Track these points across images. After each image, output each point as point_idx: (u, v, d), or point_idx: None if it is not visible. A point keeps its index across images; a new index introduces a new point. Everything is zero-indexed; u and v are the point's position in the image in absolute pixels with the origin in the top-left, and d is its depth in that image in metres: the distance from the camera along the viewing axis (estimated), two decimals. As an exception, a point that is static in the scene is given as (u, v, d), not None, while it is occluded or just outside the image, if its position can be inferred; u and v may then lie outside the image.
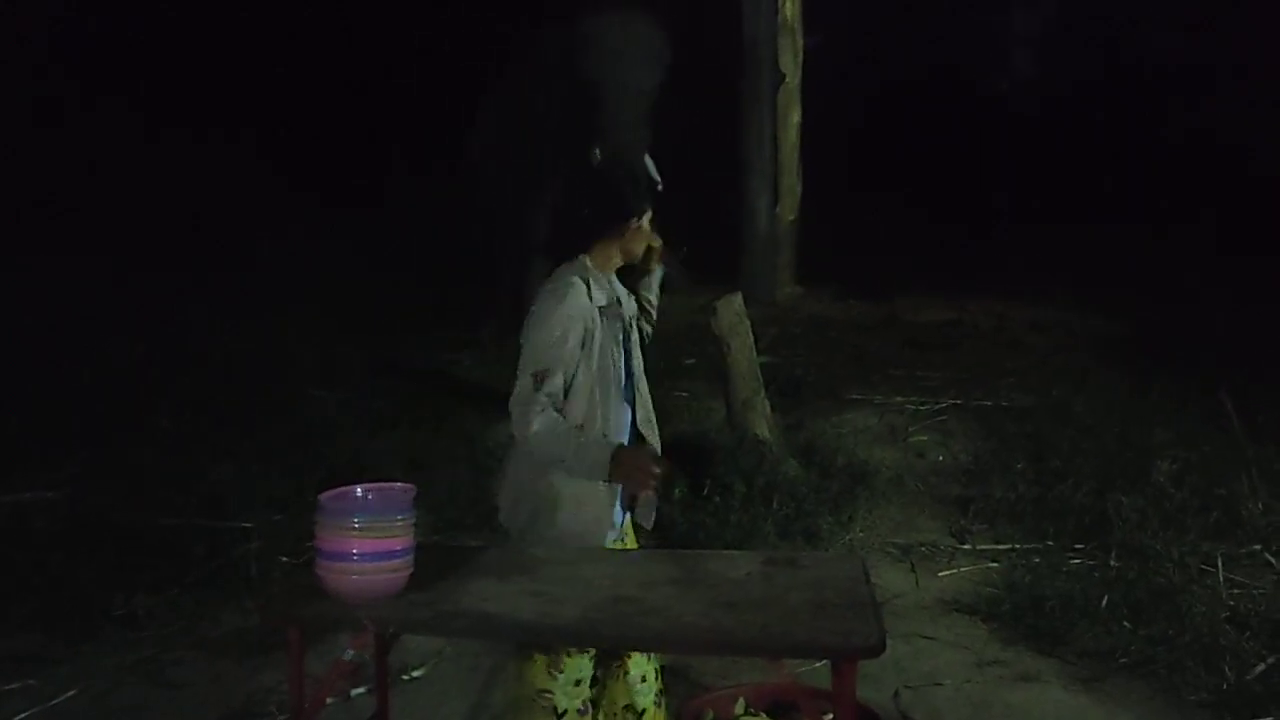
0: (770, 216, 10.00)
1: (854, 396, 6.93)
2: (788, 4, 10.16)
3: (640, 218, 2.84)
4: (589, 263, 2.81)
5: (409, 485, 2.46)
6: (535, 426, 2.61)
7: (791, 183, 10.44)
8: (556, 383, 2.66)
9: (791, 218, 10.45)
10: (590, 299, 2.74)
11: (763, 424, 5.68)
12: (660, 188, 2.90)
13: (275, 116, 13.46)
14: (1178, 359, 7.31)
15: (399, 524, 2.36)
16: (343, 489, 2.43)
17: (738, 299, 5.69)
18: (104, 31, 12.93)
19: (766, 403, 5.75)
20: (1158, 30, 14.67)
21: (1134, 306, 9.49)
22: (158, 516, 4.96)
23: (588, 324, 2.71)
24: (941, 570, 4.64)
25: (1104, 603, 4.02)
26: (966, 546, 4.87)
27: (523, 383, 2.66)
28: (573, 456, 2.63)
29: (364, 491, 2.44)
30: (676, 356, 7.64)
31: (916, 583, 4.53)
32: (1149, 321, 8.98)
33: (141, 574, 4.40)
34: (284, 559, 4.53)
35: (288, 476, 5.32)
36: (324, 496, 2.39)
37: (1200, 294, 9.44)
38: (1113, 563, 4.45)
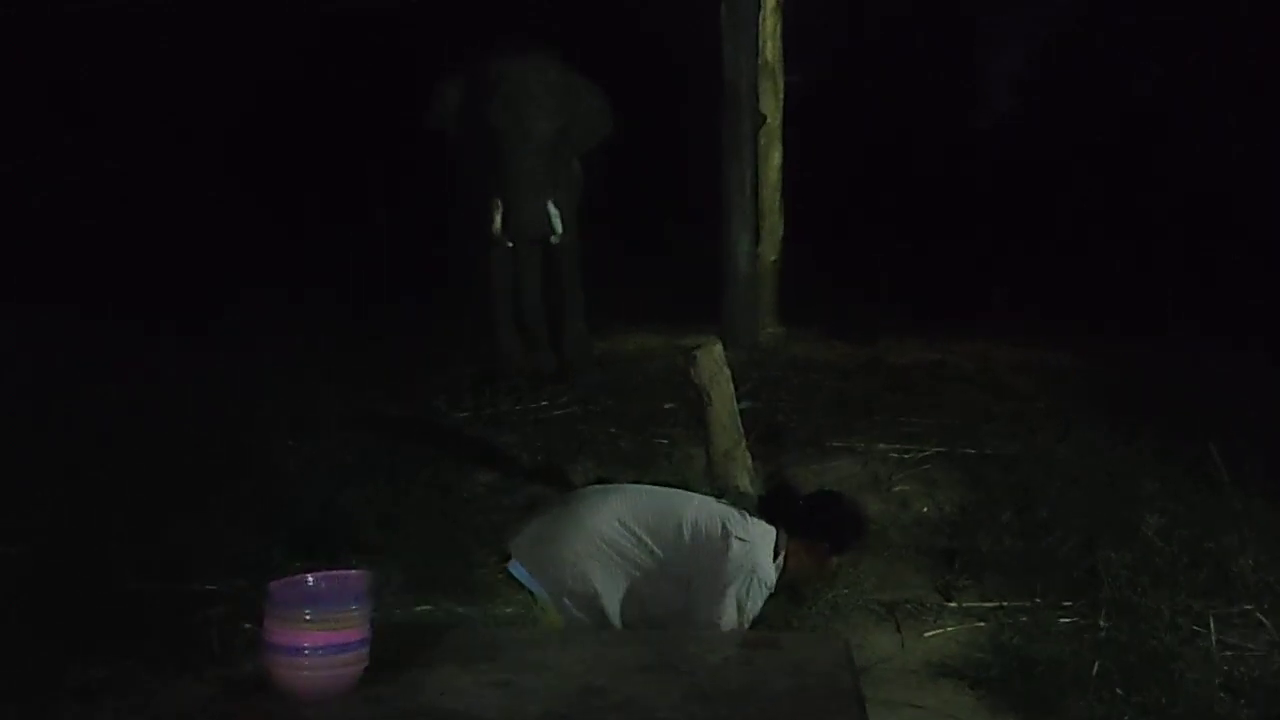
0: (751, 257, 9.91)
1: (836, 444, 6.80)
2: (768, 45, 10.12)
3: (837, 555, 3.31)
4: (785, 544, 3.18)
5: (362, 571, 2.34)
6: None
7: (773, 223, 10.36)
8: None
9: (773, 258, 10.37)
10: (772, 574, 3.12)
11: (744, 475, 5.58)
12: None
13: (251, 154, 13.37)
14: (1164, 405, 7.22)
15: (354, 614, 2.23)
16: (293, 578, 2.31)
17: (718, 347, 5.59)
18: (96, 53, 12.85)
19: (748, 454, 5.65)
20: (1146, 70, 14.80)
21: (1118, 350, 9.43)
22: (117, 578, 4.78)
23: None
24: (928, 630, 4.51)
25: (1095, 669, 3.90)
26: (953, 604, 4.74)
27: (730, 614, 2.94)
28: None
29: (315, 580, 2.31)
30: (657, 401, 7.52)
31: (902, 644, 4.40)
32: (1134, 365, 8.91)
33: (98, 641, 4.22)
34: (248, 625, 4.36)
35: (255, 533, 5.16)
36: (273, 585, 2.26)
37: (1186, 339, 9.38)
38: (1102, 623, 4.33)
